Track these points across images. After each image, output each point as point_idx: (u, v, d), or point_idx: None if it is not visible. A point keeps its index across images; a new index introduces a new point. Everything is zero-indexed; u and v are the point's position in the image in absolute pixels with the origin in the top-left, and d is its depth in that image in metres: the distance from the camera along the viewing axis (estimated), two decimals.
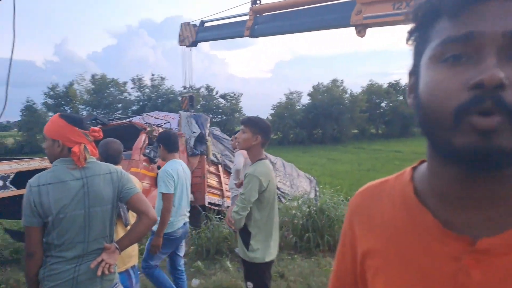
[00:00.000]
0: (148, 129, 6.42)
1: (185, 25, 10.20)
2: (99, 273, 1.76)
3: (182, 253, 3.53)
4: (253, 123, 2.54)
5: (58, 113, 2.01)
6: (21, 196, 4.01)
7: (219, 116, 42.24)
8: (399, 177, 0.68)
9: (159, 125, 7.11)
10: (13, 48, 4.81)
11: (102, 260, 1.79)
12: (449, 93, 0.48)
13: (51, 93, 35.64)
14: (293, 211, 5.76)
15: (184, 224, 3.34)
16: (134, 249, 2.71)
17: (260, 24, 8.43)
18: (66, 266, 1.79)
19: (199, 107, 40.77)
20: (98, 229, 1.88)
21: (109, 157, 2.67)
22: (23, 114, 32.79)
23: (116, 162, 2.67)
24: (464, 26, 0.48)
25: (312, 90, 44.55)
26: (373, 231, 0.66)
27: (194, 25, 10.06)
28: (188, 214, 3.45)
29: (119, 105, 39.00)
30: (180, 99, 10.80)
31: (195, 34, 10.03)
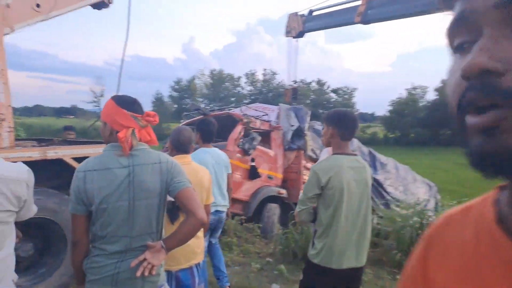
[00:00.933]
0: (245, 120, 6.29)
1: (293, 16, 9.86)
2: (138, 273, 1.53)
3: (215, 239, 3.60)
4: (326, 116, 2.33)
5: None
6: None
7: None
8: (484, 201, 0.54)
9: (257, 117, 6.93)
10: (125, 48, 5.24)
11: (145, 260, 1.56)
12: (452, 91, 0.45)
13: (176, 86, 39.69)
14: (400, 221, 4.94)
15: (215, 211, 3.31)
16: (199, 245, 2.48)
17: (374, 9, 7.57)
18: (107, 260, 1.65)
19: (308, 101, 40.42)
20: (142, 224, 1.68)
21: (180, 144, 2.54)
22: (154, 105, 37.24)
23: (186, 151, 2.55)
24: (459, 4, 0.43)
25: (441, 85, 39.77)
26: (451, 268, 0.55)
27: (302, 15, 9.66)
28: (223, 203, 3.43)
29: (233, 99, 41.22)
30: (284, 92, 10.52)
31: (302, 24, 9.61)
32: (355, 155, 2.33)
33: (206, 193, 2.55)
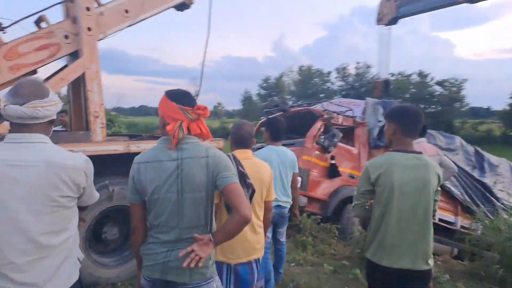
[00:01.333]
0: (325, 116, 6.03)
1: (385, 1, 9.17)
2: (185, 264, 1.54)
3: (282, 237, 3.68)
4: (386, 113, 2.29)
5: None
6: None
7: (433, 106, 37.53)
8: None
9: (340, 112, 6.59)
10: (205, 51, 5.39)
11: (192, 251, 1.56)
12: None
13: (264, 84, 40.37)
14: (507, 231, 4.23)
15: (277, 205, 3.40)
16: (259, 241, 2.42)
17: None
18: (160, 248, 1.71)
19: (408, 95, 37.49)
20: (191, 216, 1.70)
21: (240, 138, 2.49)
22: (243, 104, 38.51)
23: (246, 145, 2.49)
24: None
25: None
26: None
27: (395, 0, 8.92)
28: (284, 199, 3.50)
29: (322, 95, 40.41)
30: (373, 84, 9.88)
31: (396, 9, 8.88)
32: (418, 152, 2.18)
33: (267, 189, 2.47)
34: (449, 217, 6.81)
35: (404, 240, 2.09)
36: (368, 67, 39.66)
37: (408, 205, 2.09)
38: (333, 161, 5.81)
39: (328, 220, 5.61)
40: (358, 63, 40.81)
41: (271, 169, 2.52)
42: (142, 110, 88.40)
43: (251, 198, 2.25)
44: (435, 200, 2.16)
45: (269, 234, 3.45)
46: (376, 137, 6.49)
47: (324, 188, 5.79)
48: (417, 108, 2.26)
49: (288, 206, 3.59)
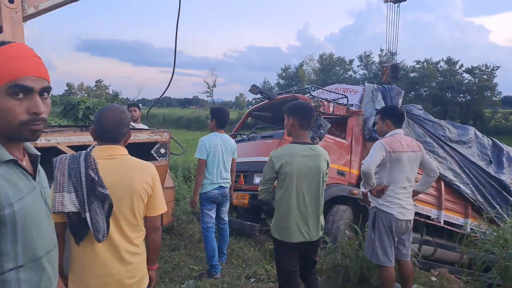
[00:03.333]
0: (312, 104, 5.27)
1: None
2: None
3: (225, 216, 4.15)
4: (286, 108, 2.67)
5: None
6: None
7: (461, 95, 35.42)
8: None
9: (333, 100, 5.81)
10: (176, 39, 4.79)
11: None
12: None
13: (283, 74, 39.34)
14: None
15: (219, 187, 3.91)
16: (133, 274, 1.84)
17: None
18: None
19: (434, 84, 35.57)
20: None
21: (102, 129, 1.79)
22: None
23: (114, 139, 1.80)
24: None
25: None
26: None
27: None
28: (226, 181, 3.98)
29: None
30: (381, 68, 8.96)
31: None
32: (311, 143, 2.64)
33: (148, 200, 1.84)
34: (457, 219, 5.95)
35: (303, 216, 2.54)
36: (393, 54, 37.76)
37: (305, 188, 2.53)
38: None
39: None
40: (382, 50, 38.93)
41: (154, 172, 1.88)
42: (165, 101, 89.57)
43: (107, 215, 1.68)
44: (324, 181, 2.65)
45: (213, 215, 3.96)
46: (372, 128, 5.67)
47: None
48: (309, 104, 2.82)
49: (228, 186, 4.02)
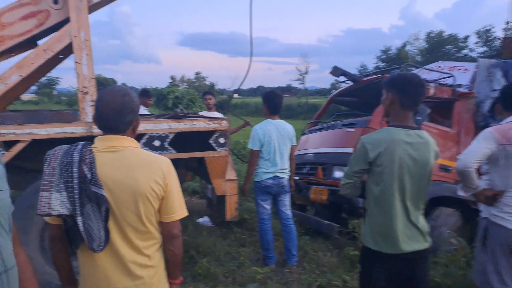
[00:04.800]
0: None
1: None
2: None
3: (283, 207, 3.72)
4: (385, 81, 2.03)
5: None
6: (179, 160, 3.56)
7: None
8: None
9: (435, 81, 4.82)
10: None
11: None
12: None
13: (383, 56, 36.31)
14: None
15: (275, 177, 3.61)
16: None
17: None
18: None
19: None
20: None
21: (102, 117, 1.48)
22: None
23: (115, 128, 1.47)
24: None
25: None
26: None
27: None
28: (282, 171, 3.65)
29: None
30: (502, 41, 7.32)
31: None
32: (418, 128, 1.95)
33: (159, 204, 1.50)
34: None
35: (408, 221, 1.94)
36: None
37: (408, 185, 1.91)
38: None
39: None
40: (507, 23, 33.07)
41: (168, 169, 1.50)
42: (260, 91, 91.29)
43: (105, 221, 1.37)
44: (430, 177, 1.99)
45: (268, 206, 3.67)
46: (488, 113, 4.54)
47: None
48: (419, 77, 1.99)
49: (286, 176, 3.69)
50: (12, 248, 0.94)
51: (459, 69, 5.30)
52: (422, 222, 1.98)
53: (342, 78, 5.54)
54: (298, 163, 5.10)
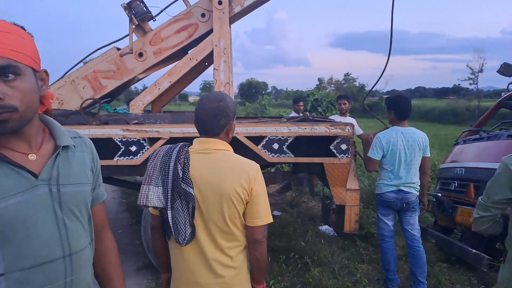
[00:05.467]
0: None
1: None
2: None
3: (413, 229, 3.29)
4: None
5: None
6: (296, 164, 3.31)
7: None
8: None
9: None
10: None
11: None
12: None
13: None
14: None
15: (398, 190, 3.25)
16: None
17: None
18: None
19: None
20: None
21: (199, 120, 1.57)
22: None
23: (209, 131, 1.56)
24: None
25: None
26: None
27: None
28: (408, 184, 3.25)
29: None
30: None
31: None
32: None
33: (244, 207, 1.50)
34: None
35: None
36: None
37: None
38: None
39: None
40: None
41: (255, 174, 1.49)
42: (418, 92, 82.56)
43: (192, 215, 1.48)
44: None
45: (390, 222, 3.32)
46: None
47: None
48: None
49: (414, 191, 3.28)
50: (84, 233, 1.07)
51: None
52: None
53: None
54: (445, 178, 4.42)
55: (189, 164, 1.48)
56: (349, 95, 5.55)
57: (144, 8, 3.91)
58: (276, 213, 5.27)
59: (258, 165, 1.52)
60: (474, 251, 3.63)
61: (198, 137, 1.58)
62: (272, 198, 6.22)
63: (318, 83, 54.05)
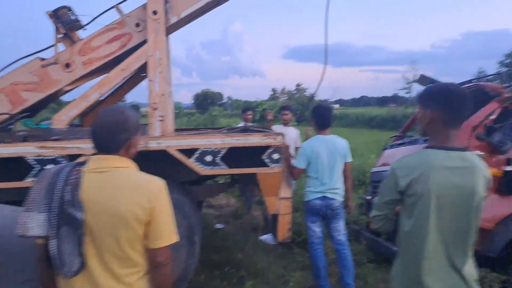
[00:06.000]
0: (506, 95, 3.74)
1: None
2: None
3: (339, 234, 3.41)
4: (421, 95, 1.75)
5: None
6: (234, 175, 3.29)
7: None
8: None
9: None
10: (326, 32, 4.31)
11: None
12: None
13: (507, 61, 31.62)
14: None
15: (323, 197, 3.37)
16: None
17: None
18: None
19: None
20: None
21: (96, 136, 1.47)
22: None
23: (108, 148, 1.46)
24: None
25: None
26: None
27: None
28: (332, 191, 3.38)
29: None
30: None
31: None
32: (463, 149, 1.62)
33: (143, 230, 1.41)
34: None
35: (447, 266, 1.58)
36: None
37: (449, 220, 1.58)
38: (509, 168, 3.53)
39: (491, 264, 3.43)
40: None
41: (157, 192, 1.43)
42: (363, 101, 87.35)
43: (79, 243, 1.35)
44: (479, 211, 1.60)
45: (318, 229, 3.43)
46: None
47: (489, 211, 3.57)
48: (461, 88, 1.67)
49: (338, 198, 3.40)
50: None
51: None
52: (468, 268, 1.59)
53: None
54: (375, 181, 4.69)
55: (80, 185, 1.36)
56: (291, 106, 5.71)
57: (73, 17, 3.75)
58: (218, 225, 5.24)
59: (162, 182, 1.45)
60: (386, 243, 3.87)
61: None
62: (217, 210, 6.17)
63: (272, 93, 55.06)
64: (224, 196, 7.13)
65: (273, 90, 56.51)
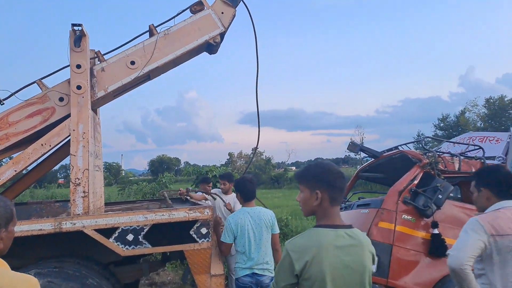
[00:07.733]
0: (425, 161, 3.96)
1: None
2: None
3: None
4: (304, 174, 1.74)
5: None
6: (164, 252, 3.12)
7: None
8: None
9: (461, 154, 4.28)
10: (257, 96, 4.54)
11: None
12: None
13: (441, 124, 34.71)
14: None
15: (252, 274, 3.18)
16: None
17: None
18: None
19: None
20: None
21: None
22: (416, 148, 33.73)
23: None
24: None
25: None
26: None
27: None
28: (261, 266, 3.21)
29: None
30: None
31: None
32: (348, 227, 1.64)
33: None
34: None
35: None
36: None
37: None
38: (436, 231, 3.62)
39: None
40: None
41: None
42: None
43: None
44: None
45: None
46: None
47: (420, 275, 3.57)
48: (335, 167, 1.72)
49: (268, 273, 3.22)
50: None
51: (491, 140, 4.71)
52: None
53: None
54: None
55: None
56: (230, 175, 5.60)
57: None
58: None
59: (34, 281, 1.30)
60: None
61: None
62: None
63: (228, 157, 55.18)
64: (170, 271, 6.66)
65: (230, 154, 56.85)
